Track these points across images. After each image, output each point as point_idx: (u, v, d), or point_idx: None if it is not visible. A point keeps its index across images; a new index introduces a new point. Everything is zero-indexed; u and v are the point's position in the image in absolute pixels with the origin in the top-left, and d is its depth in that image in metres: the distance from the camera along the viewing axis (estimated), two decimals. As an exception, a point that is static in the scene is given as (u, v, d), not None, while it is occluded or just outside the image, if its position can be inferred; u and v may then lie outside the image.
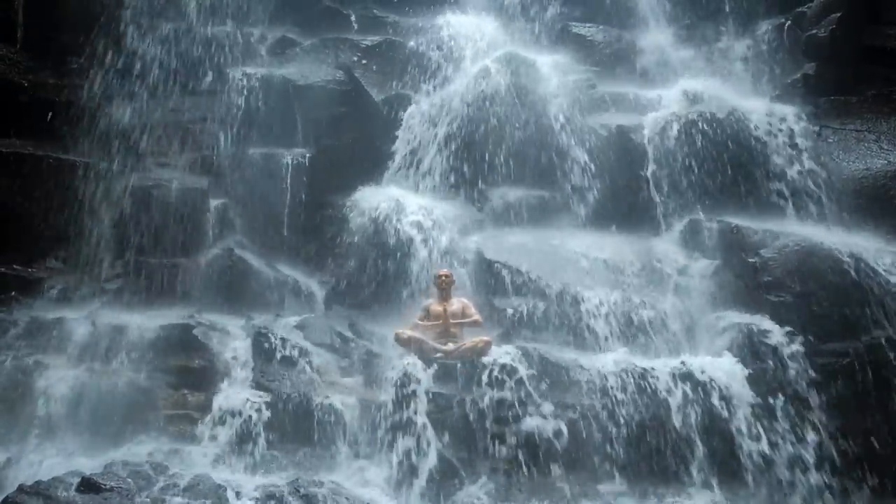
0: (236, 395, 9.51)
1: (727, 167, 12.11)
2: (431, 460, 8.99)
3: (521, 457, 9.05)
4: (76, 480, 7.81)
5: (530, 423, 9.15)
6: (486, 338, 9.80)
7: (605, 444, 9.08)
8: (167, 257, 11.74)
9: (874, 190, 11.49)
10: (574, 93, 13.48)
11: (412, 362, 9.56)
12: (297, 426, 9.32)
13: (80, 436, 9.19)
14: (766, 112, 12.53)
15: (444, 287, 10.36)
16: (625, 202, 12.40)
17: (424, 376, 9.46)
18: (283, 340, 10.14)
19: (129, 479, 7.97)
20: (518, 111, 13.15)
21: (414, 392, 9.30)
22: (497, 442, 9.12)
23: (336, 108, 13.28)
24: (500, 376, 9.42)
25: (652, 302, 10.61)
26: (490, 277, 11.11)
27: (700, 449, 9.06)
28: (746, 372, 9.45)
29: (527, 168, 12.86)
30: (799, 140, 12.20)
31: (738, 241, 10.79)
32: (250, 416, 9.28)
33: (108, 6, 13.58)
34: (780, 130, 12.31)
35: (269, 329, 10.32)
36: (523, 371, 9.45)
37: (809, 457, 8.92)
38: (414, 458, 8.99)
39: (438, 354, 9.73)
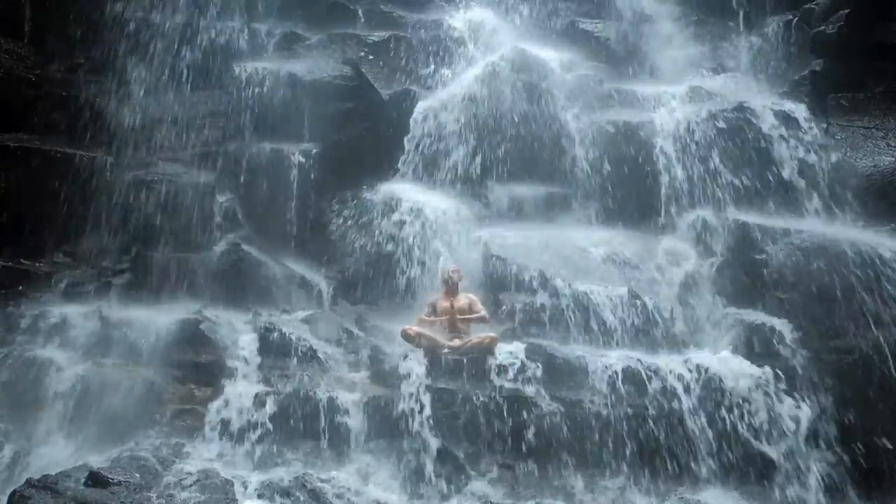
0: (243, 390, 9.52)
1: (735, 164, 12.10)
2: (438, 455, 9.01)
3: (527, 452, 9.08)
4: (84, 474, 7.86)
5: (537, 418, 9.15)
6: (492, 334, 9.81)
7: (611, 439, 9.09)
8: (174, 252, 11.76)
9: (882, 187, 11.47)
10: (582, 89, 13.48)
11: (419, 358, 9.57)
12: (303, 421, 9.31)
13: (87, 430, 9.21)
14: (774, 109, 12.49)
15: (452, 283, 10.37)
16: (632, 198, 12.37)
17: (431, 372, 9.47)
18: (290, 336, 10.15)
19: (137, 474, 8.03)
20: (525, 107, 13.13)
21: (420, 387, 9.31)
22: (503, 437, 9.13)
23: (343, 103, 13.28)
24: (506, 372, 9.43)
25: (659, 298, 10.60)
26: (497, 273, 11.10)
27: (706, 445, 9.08)
28: (753, 368, 9.44)
29: (534, 164, 12.85)
30: (807, 137, 12.16)
31: (745, 237, 10.79)
32: (257, 412, 9.29)
33: (114, 1, 13.58)
34: (788, 127, 12.26)
35: (276, 324, 10.34)
36: (530, 367, 9.46)
37: (816, 453, 8.93)
38: (420, 453, 9.01)
39: (445, 350, 9.74)
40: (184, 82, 13.42)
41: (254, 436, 9.15)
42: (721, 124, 12.34)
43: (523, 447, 9.07)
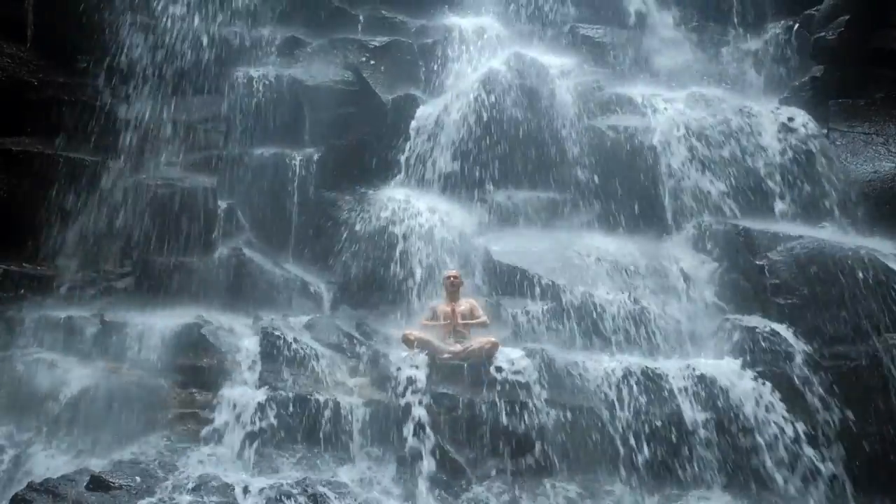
0: (244, 394, 9.53)
1: (735, 169, 12.13)
2: (438, 460, 9.01)
3: (527, 457, 9.09)
4: (85, 478, 7.85)
5: (537, 423, 9.17)
6: (493, 339, 9.81)
7: (612, 445, 9.11)
8: (175, 256, 11.74)
9: (882, 192, 11.49)
10: (582, 94, 13.48)
11: (420, 363, 9.58)
12: (304, 426, 9.32)
13: (88, 434, 9.22)
14: (774, 114, 12.54)
15: (453, 288, 10.39)
16: (633, 204, 12.38)
17: (432, 377, 9.48)
18: (291, 340, 10.14)
19: (138, 478, 8.02)
20: (526, 112, 13.15)
21: (421, 392, 9.32)
22: (504, 442, 9.13)
23: (344, 108, 13.31)
24: (507, 377, 9.44)
25: (659, 304, 10.62)
26: (497, 278, 11.15)
27: (707, 451, 9.09)
28: (753, 374, 9.47)
29: (535, 169, 12.87)
30: (807, 142, 12.18)
31: (745, 243, 10.81)
32: (258, 416, 9.29)
33: (117, 5, 13.60)
34: (788, 133, 12.30)
35: (277, 329, 10.32)
36: (530, 372, 9.47)
37: (817, 459, 8.94)
38: (421, 458, 9.00)
39: (446, 355, 9.74)
40: (186, 87, 13.43)
41: (254, 440, 9.15)
42: (721, 130, 12.39)
43: (524, 452, 9.08)
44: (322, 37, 14.62)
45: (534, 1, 15.71)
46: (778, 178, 12.02)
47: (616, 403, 9.30)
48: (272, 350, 10.04)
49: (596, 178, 12.64)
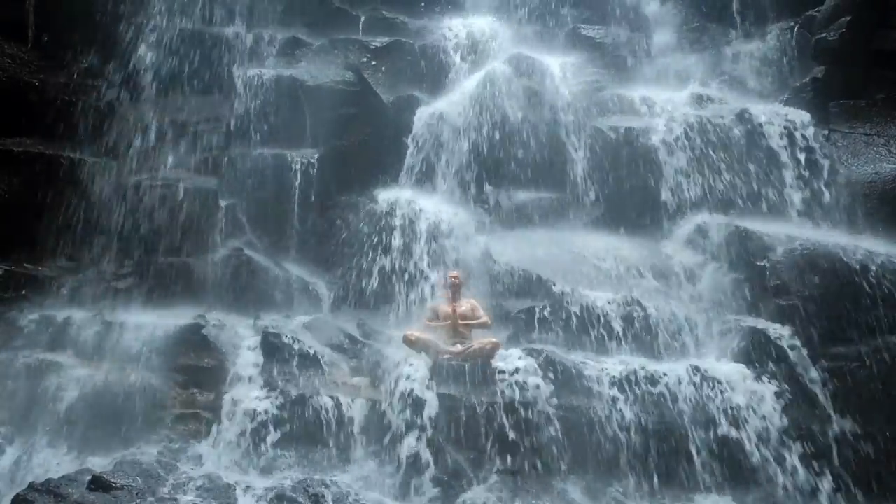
0: (245, 394, 9.55)
1: (736, 170, 12.14)
2: (439, 461, 9.01)
3: (528, 458, 9.08)
4: (86, 478, 7.87)
5: (538, 424, 9.16)
6: (494, 339, 9.82)
7: (612, 446, 9.11)
8: (176, 257, 11.76)
9: (883, 193, 11.48)
10: (583, 95, 13.49)
11: (420, 363, 9.59)
12: (305, 426, 9.33)
13: (90, 434, 9.23)
14: (775, 115, 12.56)
15: (454, 288, 10.38)
16: (633, 204, 12.41)
17: (433, 377, 9.48)
18: (292, 340, 10.16)
19: (139, 478, 8.04)
20: (527, 113, 13.18)
21: (422, 393, 9.31)
22: (505, 443, 9.13)
23: (345, 108, 13.30)
24: (507, 378, 9.44)
25: (660, 304, 10.60)
26: (498, 278, 11.14)
27: (707, 452, 9.09)
28: (754, 375, 9.47)
29: (535, 170, 12.89)
30: (808, 143, 12.19)
31: (746, 243, 10.81)
32: (259, 416, 9.31)
33: (118, 6, 13.60)
34: (789, 134, 12.31)
35: (278, 329, 10.36)
36: (531, 372, 9.46)
37: (817, 460, 8.93)
38: (421, 458, 8.99)
39: (447, 356, 9.74)
40: (187, 87, 13.42)
41: (256, 440, 9.17)
42: (722, 131, 12.39)
43: (524, 453, 9.07)
44: (323, 37, 14.63)
45: (535, 1, 15.74)
46: (779, 179, 12.02)
47: (617, 404, 9.29)
48: (273, 350, 10.06)
49: (597, 179, 12.68)
